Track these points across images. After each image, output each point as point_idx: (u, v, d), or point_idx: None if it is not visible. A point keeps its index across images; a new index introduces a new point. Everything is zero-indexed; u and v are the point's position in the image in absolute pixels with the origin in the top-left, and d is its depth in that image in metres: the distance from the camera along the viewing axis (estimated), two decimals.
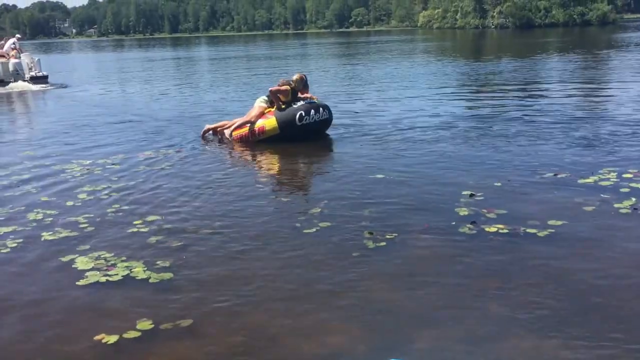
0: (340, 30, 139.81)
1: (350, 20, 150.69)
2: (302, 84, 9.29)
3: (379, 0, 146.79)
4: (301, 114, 8.87)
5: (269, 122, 9.03)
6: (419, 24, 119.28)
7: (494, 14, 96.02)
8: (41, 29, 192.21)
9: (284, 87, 9.12)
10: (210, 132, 9.92)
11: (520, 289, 4.00)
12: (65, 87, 21.28)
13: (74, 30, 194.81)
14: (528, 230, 4.99)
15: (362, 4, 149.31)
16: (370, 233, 5.08)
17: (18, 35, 26.05)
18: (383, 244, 4.85)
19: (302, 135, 8.96)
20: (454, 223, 5.23)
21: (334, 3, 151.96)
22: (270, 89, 9.28)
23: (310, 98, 9.34)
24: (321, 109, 9.18)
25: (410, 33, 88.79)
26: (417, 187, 6.52)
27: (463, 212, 5.52)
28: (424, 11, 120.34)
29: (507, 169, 7.05)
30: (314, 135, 9.18)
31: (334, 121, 9.84)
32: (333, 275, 4.35)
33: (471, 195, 6.00)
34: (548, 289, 3.98)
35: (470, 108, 12.63)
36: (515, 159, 7.55)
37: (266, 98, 9.39)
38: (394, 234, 5.03)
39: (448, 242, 4.87)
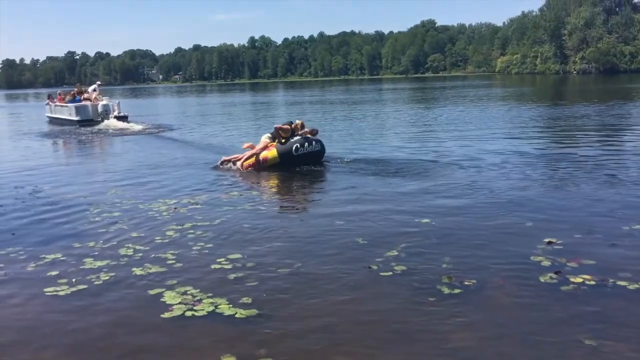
0: (416, 75, 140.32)
1: (426, 66, 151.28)
2: (301, 127, 11.34)
3: (455, 47, 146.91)
4: (297, 146, 10.89)
5: (271, 153, 11.02)
6: (496, 70, 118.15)
7: (576, 59, 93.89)
8: (131, 75, 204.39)
9: (285, 126, 11.25)
10: (228, 163, 11.55)
11: (611, 343, 3.83)
12: (150, 128, 22.52)
13: (160, 77, 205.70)
14: (618, 282, 4.79)
15: (438, 50, 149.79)
16: (449, 278, 5.04)
17: (98, 82, 30.51)
18: (461, 290, 4.79)
19: (298, 163, 10.87)
20: (535, 272, 5.10)
21: (410, 49, 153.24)
22: (275, 126, 11.42)
23: (305, 134, 11.19)
24: (314, 142, 11.12)
25: (487, 78, 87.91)
26: (494, 230, 6.44)
27: (542, 260, 5.39)
28: (501, 57, 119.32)
29: (591, 217, 6.83)
30: (310, 163, 10.98)
31: (408, 161, 10.87)
32: (409, 319, 4.33)
33: (549, 243, 5.84)
34: None
35: (550, 152, 12.34)
36: (599, 207, 7.30)
37: (270, 135, 11.46)
38: (473, 281, 4.96)
39: (529, 291, 4.75)
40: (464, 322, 4.25)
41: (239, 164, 11.22)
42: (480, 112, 24.44)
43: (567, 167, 10.16)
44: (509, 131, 16.39)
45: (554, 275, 4.99)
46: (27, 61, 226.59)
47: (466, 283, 4.92)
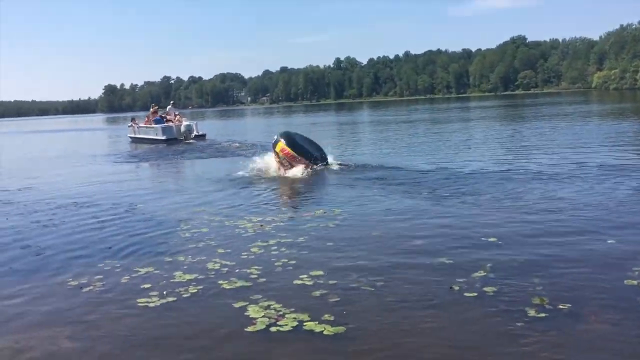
0: (505, 93, 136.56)
1: (516, 83, 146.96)
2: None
3: (548, 62, 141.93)
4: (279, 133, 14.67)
5: (278, 146, 14.10)
6: (593, 86, 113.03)
7: None
8: (221, 97, 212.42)
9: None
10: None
11: None
12: (238, 147, 23.41)
13: (249, 99, 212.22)
14: None
15: (529, 67, 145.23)
16: (542, 300, 4.81)
17: (172, 102, 35.74)
18: (554, 314, 4.55)
19: (300, 139, 14.70)
20: (634, 296, 4.78)
21: (499, 66, 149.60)
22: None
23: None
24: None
25: (583, 95, 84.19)
26: (586, 250, 6.18)
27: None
28: (598, 72, 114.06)
29: None
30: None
31: (492, 179, 10.51)
32: (495, 343, 4.17)
33: None
34: None
35: None
36: None
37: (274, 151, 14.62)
38: (567, 304, 4.71)
39: (627, 317, 4.44)
40: (554, 349, 4.03)
41: (278, 169, 14.10)
42: (572, 128, 23.33)
43: None
44: (601, 147, 15.56)
45: None
46: (127, 86, 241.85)
47: (560, 307, 4.67)
